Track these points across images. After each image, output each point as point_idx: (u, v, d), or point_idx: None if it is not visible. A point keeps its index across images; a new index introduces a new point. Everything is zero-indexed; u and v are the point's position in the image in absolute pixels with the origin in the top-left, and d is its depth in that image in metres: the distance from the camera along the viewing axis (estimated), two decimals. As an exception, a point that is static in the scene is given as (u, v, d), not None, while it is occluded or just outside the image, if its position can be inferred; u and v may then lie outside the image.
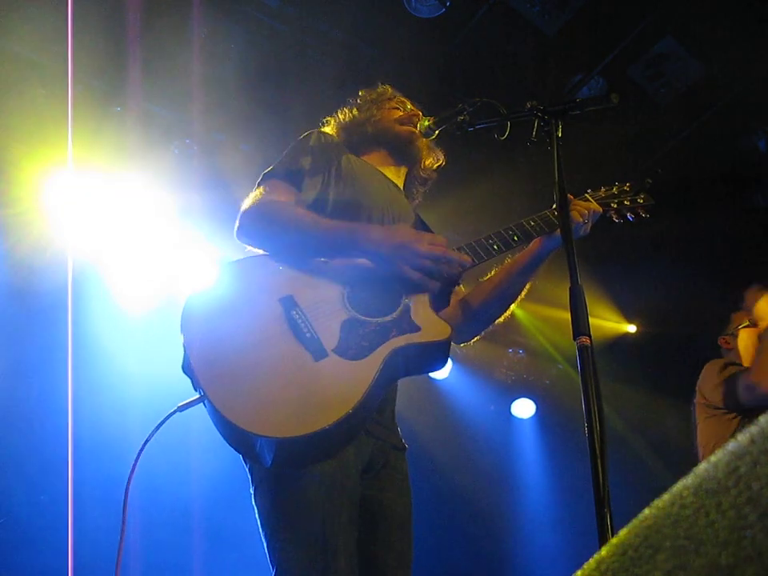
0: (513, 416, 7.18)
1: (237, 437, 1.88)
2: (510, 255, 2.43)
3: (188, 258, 5.39)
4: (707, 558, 0.63)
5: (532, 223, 2.31)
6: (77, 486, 4.48)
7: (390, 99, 2.72)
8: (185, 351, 1.93)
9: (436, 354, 2.06)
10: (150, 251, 5.23)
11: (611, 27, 4.66)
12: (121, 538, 1.90)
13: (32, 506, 4.46)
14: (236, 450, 1.95)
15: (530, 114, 2.10)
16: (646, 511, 0.71)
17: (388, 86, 2.79)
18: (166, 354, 4.89)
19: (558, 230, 2.24)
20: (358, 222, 2.20)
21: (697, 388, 3.67)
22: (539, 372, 7.25)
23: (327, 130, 2.68)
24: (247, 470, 2.08)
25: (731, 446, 0.68)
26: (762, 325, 3.70)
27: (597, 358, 1.65)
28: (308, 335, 1.93)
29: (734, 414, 3.45)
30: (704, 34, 4.68)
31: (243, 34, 4.56)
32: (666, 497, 0.71)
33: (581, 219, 2.31)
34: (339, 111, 2.76)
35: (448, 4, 4.40)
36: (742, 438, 0.68)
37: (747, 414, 3.40)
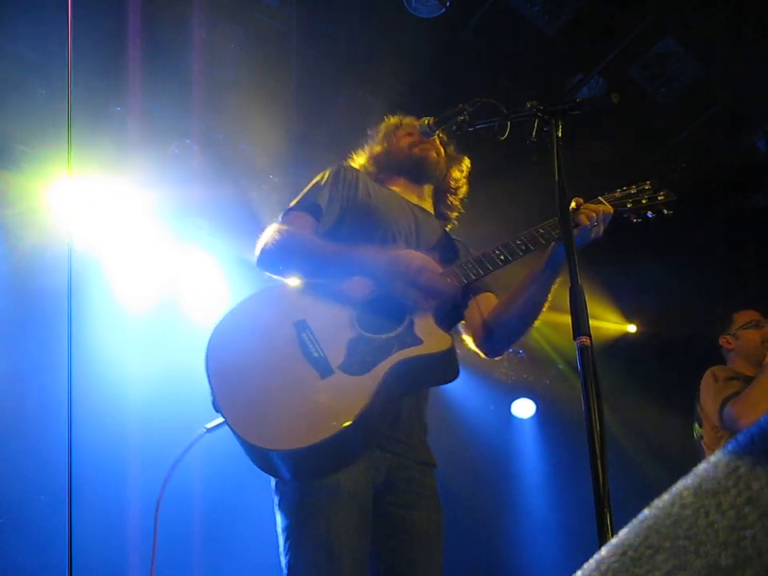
0: (513, 416, 7.18)
1: (257, 455, 2.00)
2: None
3: (188, 258, 5.40)
4: (707, 558, 0.63)
5: (541, 230, 2.32)
6: (76, 486, 4.48)
7: (398, 128, 2.83)
8: (209, 384, 2.05)
9: (441, 365, 2.13)
10: (149, 251, 5.23)
11: (611, 27, 4.66)
12: (152, 554, 2.02)
13: (32, 505, 4.46)
14: (261, 468, 2.06)
15: (530, 114, 2.10)
16: (646, 511, 0.71)
17: (394, 117, 2.89)
18: (165, 354, 4.93)
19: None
20: (371, 246, 2.28)
21: (697, 399, 3.63)
22: (539, 372, 7.25)
23: (351, 163, 2.83)
24: (273, 486, 2.20)
25: (731, 445, 0.68)
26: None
27: (597, 358, 1.65)
28: (315, 355, 2.06)
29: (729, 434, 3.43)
30: (704, 34, 4.67)
31: (243, 34, 4.56)
32: (665, 497, 0.70)
33: (587, 223, 2.28)
34: (359, 149, 2.90)
35: (448, 4, 4.40)
36: (742, 437, 0.68)
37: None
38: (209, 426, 2.12)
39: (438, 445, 2.44)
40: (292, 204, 2.47)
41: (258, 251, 2.31)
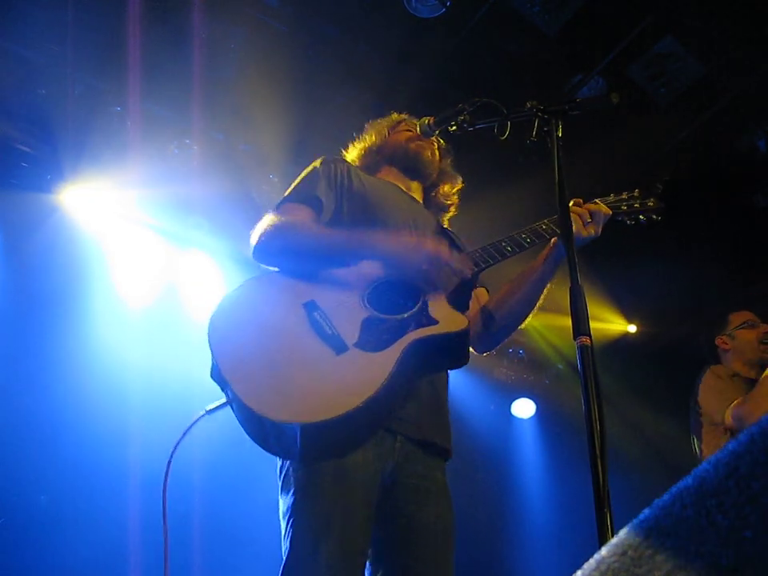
0: (513, 416, 7.18)
1: (266, 431, 1.93)
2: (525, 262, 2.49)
3: (188, 256, 5.41)
4: (707, 558, 0.63)
5: (543, 226, 2.39)
6: (79, 482, 4.49)
7: (400, 122, 2.87)
8: (213, 358, 2.00)
9: (454, 346, 2.13)
10: (149, 249, 5.24)
11: (611, 27, 4.66)
12: (165, 539, 1.99)
13: (32, 505, 4.46)
14: (265, 448, 2.00)
15: (530, 114, 2.10)
16: (646, 511, 0.71)
17: (397, 114, 2.94)
18: (166, 349, 4.93)
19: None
20: (380, 232, 2.27)
21: (695, 396, 3.62)
22: (539, 372, 7.25)
23: (345, 155, 2.86)
24: (278, 469, 2.18)
25: (731, 445, 0.68)
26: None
27: (597, 358, 1.65)
28: (329, 332, 2.02)
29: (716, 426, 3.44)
30: (704, 34, 4.67)
31: (243, 33, 4.56)
32: (666, 497, 0.70)
33: (581, 222, 2.33)
34: (355, 139, 2.92)
35: (448, 4, 4.39)
36: (743, 437, 0.68)
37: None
38: (209, 407, 2.07)
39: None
40: (285, 196, 2.44)
41: (254, 242, 2.27)
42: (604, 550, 0.73)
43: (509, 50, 4.80)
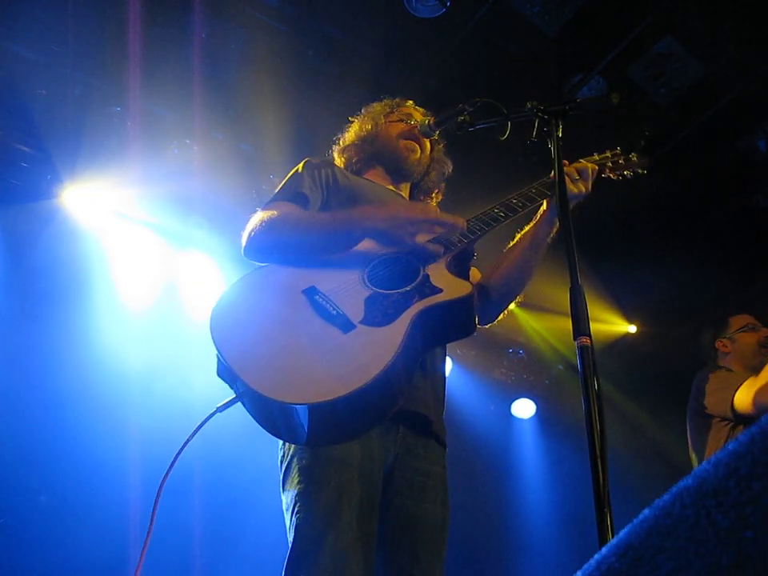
0: (513, 416, 7.17)
1: (275, 415, 1.93)
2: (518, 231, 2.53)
3: (187, 256, 5.40)
4: (708, 558, 0.63)
5: (533, 190, 2.41)
6: (78, 482, 4.49)
7: (391, 112, 2.78)
8: (218, 355, 1.99)
9: (460, 313, 2.12)
10: (149, 249, 5.23)
11: (611, 27, 4.66)
12: (147, 534, 1.95)
13: (32, 505, 4.46)
14: (273, 433, 2.00)
15: (530, 114, 2.11)
16: (647, 511, 0.71)
17: (389, 100, 2.86)
18: (166, 349, 4.93)
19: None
20: (364, 206, 2.29)
21: (700, 399, 3.61)
22: (539, 372, 7.25)
23: (332, 155, 2.83)
24: (279, 460, 2.19)
25: (731, 445, 0.68)
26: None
27: (597, 358, 1.65)
28: (333, 312, 2.01)
29: (727, 422, 3.43)
30: (704, 34, 4.67)
31: (243, 34, 4.56)
32: (666, 497, 0.70)
33: (569, 180, 2.35)
34: (339, 134, 2.87)
35: (448, 4, 4.39)
36: (743, 437, 0.68)
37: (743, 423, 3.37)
38: (219, 404, 2.04)
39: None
40: (272, 197, 2.45)
41: (245, 240, 2.27)
42: (604, 550, 0.73)
43: (509, 50, 4.80)
